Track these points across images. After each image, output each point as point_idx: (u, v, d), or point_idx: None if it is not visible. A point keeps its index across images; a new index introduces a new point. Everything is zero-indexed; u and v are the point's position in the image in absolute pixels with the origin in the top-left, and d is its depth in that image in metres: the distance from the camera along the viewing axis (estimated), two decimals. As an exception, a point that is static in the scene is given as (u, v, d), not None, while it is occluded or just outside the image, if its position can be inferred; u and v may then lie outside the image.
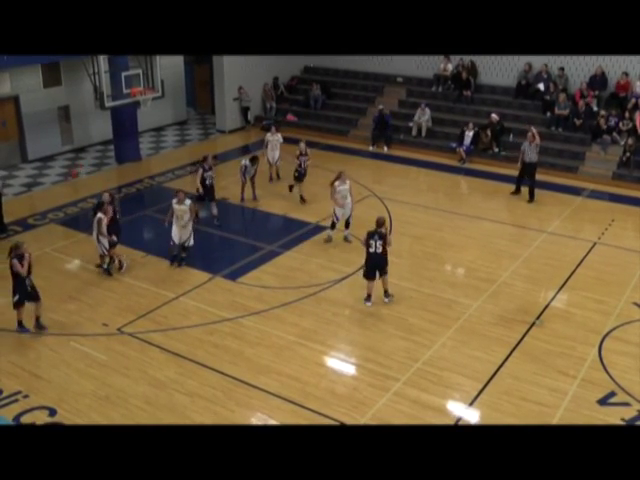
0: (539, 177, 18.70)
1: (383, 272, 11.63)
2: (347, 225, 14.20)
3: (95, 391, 9.50)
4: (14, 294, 10.72)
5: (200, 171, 15.01)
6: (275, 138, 17.60)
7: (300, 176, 16.31)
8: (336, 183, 13.75)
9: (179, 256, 13.26)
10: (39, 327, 10.98)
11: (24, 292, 10.74)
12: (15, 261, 10.56)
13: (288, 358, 10.31)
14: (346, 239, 14.26)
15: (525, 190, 17.10)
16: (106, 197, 12.92)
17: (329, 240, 14.29)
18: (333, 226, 14.25)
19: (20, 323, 10.92)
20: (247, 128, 23.55)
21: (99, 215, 12.51)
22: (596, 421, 8.86)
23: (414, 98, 22.31)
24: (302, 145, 16.32)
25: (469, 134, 19.92)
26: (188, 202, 13.09)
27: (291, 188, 16.70)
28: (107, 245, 12.67)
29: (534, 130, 16.78)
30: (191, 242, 13.28)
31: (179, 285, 12.48)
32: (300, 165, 16.18)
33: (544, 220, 15.78)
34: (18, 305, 10.79)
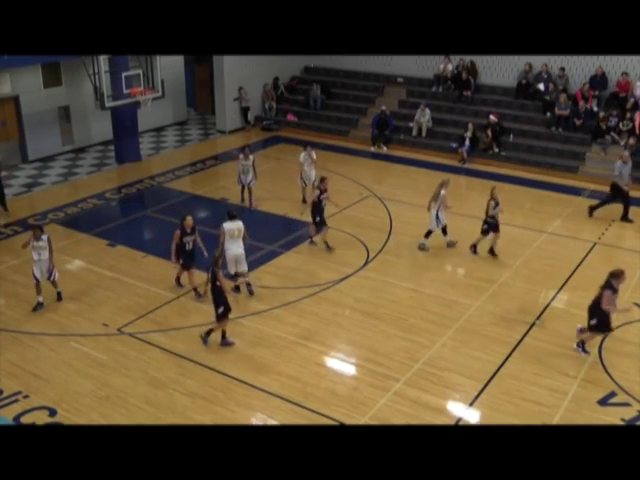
0: (539, 177, 18.76)
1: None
2: (445, 231, 14.10)
3: (95, 391, 9.49)
4: (219, 306, 10.32)
5: (317, 193, 13.65)
6: (307, 158, 16.20)
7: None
8: (443, 191, 13.73)
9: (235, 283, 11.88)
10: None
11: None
12: (221, 274, 10.19)
13: (288, 358, 10.31)
14: (451, 244, 14.11)
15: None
16: (189, 221, 11.72)
17: (424, 248, 14.06)
18: (429, 234, 14.00)
19: (224, 334, 10.65)
20: (247, 128, 23.55)
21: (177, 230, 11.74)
22: (596, 421, 8.86)
23: (414, 98, 22.32)
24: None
25: (467, 135, 19.91)
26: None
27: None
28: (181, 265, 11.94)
29: (627, 152, 16.10)
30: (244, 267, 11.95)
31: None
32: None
33: (544, 220, 15.78)
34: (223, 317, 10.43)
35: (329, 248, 13.83)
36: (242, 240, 11.75)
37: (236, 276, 11.85)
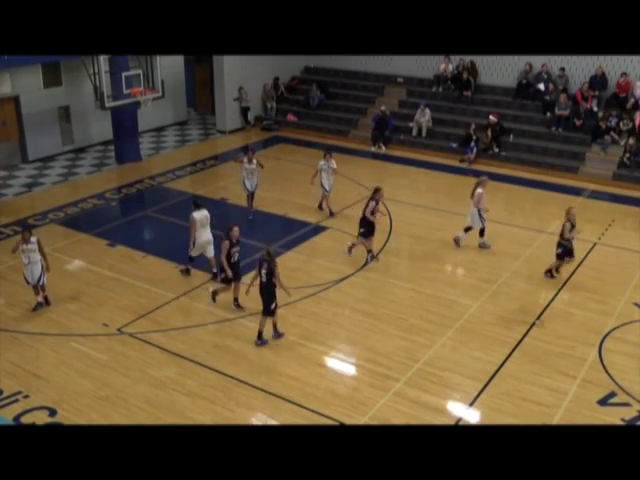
0: (539, 177, 18.75)
1: None
2: (483, 232, 14.12)
3: (95, 391, 9.49)
4: (271, 301, 10.53)
5: (372, 204, 13.02)
6: (329, 166, 15.57)
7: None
8: (479, 190, 13.76)
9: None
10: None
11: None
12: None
13: (288, 358, 10.31)
14: (483, 246, 14.11)
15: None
16: (236, 232, 11.30)
17: (459, 244, 14.19)
18: (482, 232, 14.06)
19: (276, 327, 10.84)
20: (247, 128, 23.55)
21: (226, 242, 11.25)
22: (596, 421, 8.86)
23: (414, 98, 22.32)
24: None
25: (473, 138, 19.87)
26: None
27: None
28: (225, 275, 11.44)
29: None
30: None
31: (179, 285, 12.47)
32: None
33: (544, 220, 15.78)
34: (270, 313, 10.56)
35: (374, 258, 13.37)
36: (209, 227, 12.60)
37: (192, 261, 12.75)
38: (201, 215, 12.47)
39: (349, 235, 14.63)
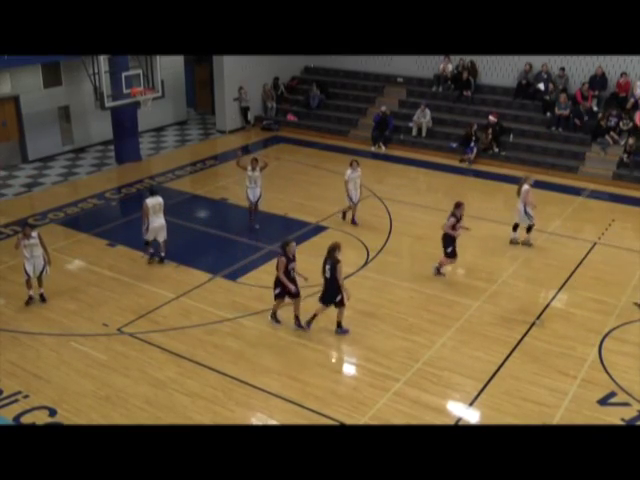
0: (539, 177, 18.72)
1: None
2: (530, 229, 14.18)
3: (95, 391, 9.49)
4: (337, 295, 10.67)
5: (452, 219, 12.40)
6: (356, 174, 14.95)
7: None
8: (526, 186, 13.86)
9: None
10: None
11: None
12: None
13: (288, 358, 10.31)
14: (526, 243, 14.17)
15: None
16: (293, 247, 10.84)
17: (516, 242, 14.28)
18: (516, 227, 14.15)
19: (340, 323, 10.95)
20: (247, 128, 23.55)
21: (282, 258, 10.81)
22: (596, 421, 8.86)
23: (414, 98, 22.32)
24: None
25: (474, 138, 19.87)
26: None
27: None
28: (280, 291, 10.95)
29: None
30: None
31: (179, 285, 12.48)
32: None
33: (544, 220, 15.74)
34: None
35: (441, 274, 12.84)
36: (162, 214, 13.13)
37: (147, 244, 13.32)
38: (154, 202, 13.04)
39: (349, 235, 14.64)
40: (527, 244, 14.14)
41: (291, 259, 10.78)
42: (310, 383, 9.69)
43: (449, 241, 12.49)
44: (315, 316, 10.88)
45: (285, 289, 10.77)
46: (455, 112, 21.76)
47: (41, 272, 11.71)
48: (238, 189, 16.50)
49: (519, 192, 13.96)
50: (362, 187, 15.14)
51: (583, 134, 19.53)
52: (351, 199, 15.00)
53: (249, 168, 14.93)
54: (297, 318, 11.02)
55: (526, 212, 13.93)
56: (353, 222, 15.21)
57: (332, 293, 10.68)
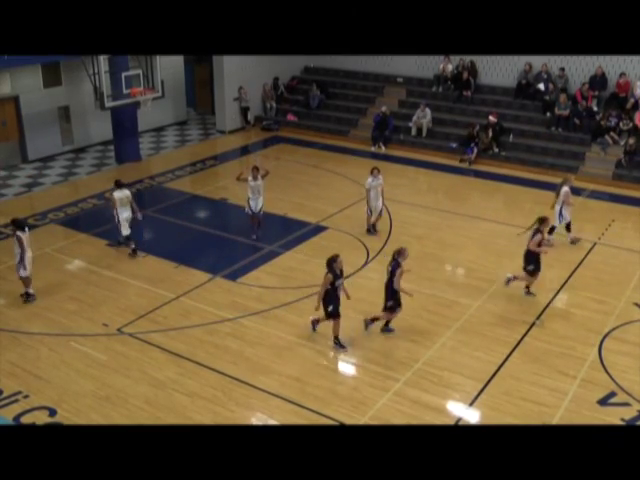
0: (539, 177, 18.75)
1: None
2: (569, 228, 14.18)
3: (95, 391, 9.49)
4: (389, 300, 10.65)
5: (538, 236, 11.77)
6: (377, 182, 14.40)
7: None
8: (565, 188, 13.83)
9: None
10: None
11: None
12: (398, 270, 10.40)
13: (288, 358, 10.31)
14: (575, 241, 14.17)
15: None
16: (340, 262, 10.25)
17: (577, 240, 14.32)
18: (552, 230, 14.01)
19: (388, 322, 10.98)
20: (247, 128, 23.55)
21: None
22: (596, 421, 8.86)
23: (414, 98, 22.32)
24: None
25: (476, 140, 19.87)
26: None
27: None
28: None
29: None
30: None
31: (179, 285, 12.48)
32: None
33: (544, 220, 15.76)
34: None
35: (530, 294, 12.19)
36: (129, 206, 13.45)
37: (129, 239, 13.57)
38: (122, 194, 13.40)
39: (349, 235, 14.64)
40: (575, 242, 14.14)
41: (338, 275, 10.19)
42: (310, 383, 9.69)
43: (532, 258, 11.82)
44: (376, 319, 10.92)
45: (317, 306, 10.31)
46: (455, 112, 21.76)
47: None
48: (238, 189, 16.49)
49: (558, 193, 13.94)
50: (383, 195, 14.55)
51: (583, 134, 19.53)
52: (370, 208, 14.47)
53: (250, 178, 14.24)
54: (337, 338, 10.50)
55: (561, 213, 13.92)
56: (372, 229, 14.66)
57: (387, 296, 10.65)
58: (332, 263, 10.15)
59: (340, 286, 10.33)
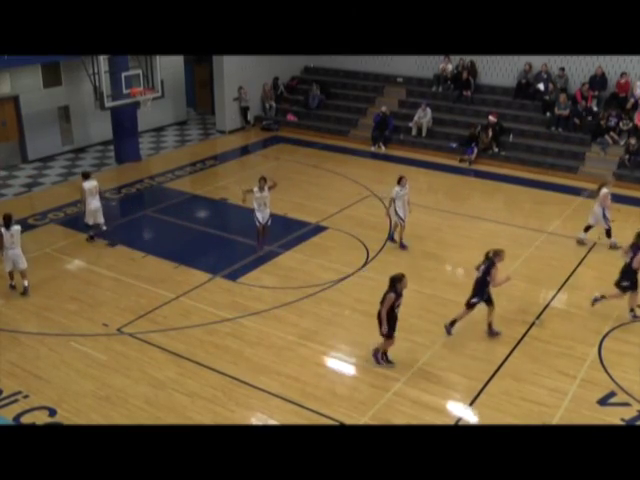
0: (539, 177, 18.75)
1: None
2: (609, 233, 14.07)
3: (95, 391, 9.49)
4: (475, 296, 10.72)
5: (632, 253, 11.14)
6: (405, 192, 13.89)
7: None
8: (605, 190, 13.78)
9: None
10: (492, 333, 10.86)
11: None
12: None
13: (288, 358, 10.31)
14: (614, 246, 13.89)
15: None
16: (405, 283, 9.81)
17: (583, 243, 14.21)
18: (609, 233, 14.00)
19: (491, 325, 10.91)
20: (247, 128, 23.55)
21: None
22: (596, 421, 8.86)
23: (414, 98, 22.32)
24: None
25: (479, 140, 19.87)
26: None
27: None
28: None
29: None
30: None
31: (179, 285, 12.48)
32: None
33: (544, 220, 15.78)
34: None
35: (637, 317, 11.32)
36: (98, 196, 14.00)
37: (90, 227, 14.17)
38: (90, 185, 13.94)
39: (349, 235, 14.64)
40: (615, 247, 13.77)
41: (399, 294, 9.75)
42: (310, 383, 9.69)
43: (631, 275, 11.17)
44: (491, 324, 10.93)
45: (384, 329, 9.81)
46: (455, 112, 21.76)
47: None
48: (238, 189, 16.48)
49: (597, 195, 13.90)
50: (410, 204, 14.11)
51: (583, 134, 19.53)
52: (399, 217, 13.93)
53: (256, 189, 13.50)
54: (384, 354, 10.07)
55: (604, 215, 13.87)
56: (396, 240, 14.21)
57: (480, 290, 10.71)
58: (397, 283, 9.64)
59: (398, 307, 9.83)
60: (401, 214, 13.90)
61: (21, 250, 11.93)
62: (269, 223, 13.80)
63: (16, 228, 11.93)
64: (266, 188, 13.59)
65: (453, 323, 10.90)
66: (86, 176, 14.09)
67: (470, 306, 10.78)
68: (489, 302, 10.80)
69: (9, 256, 11.82)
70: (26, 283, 11.98)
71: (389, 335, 9.90)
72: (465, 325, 11.17)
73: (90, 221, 14.06)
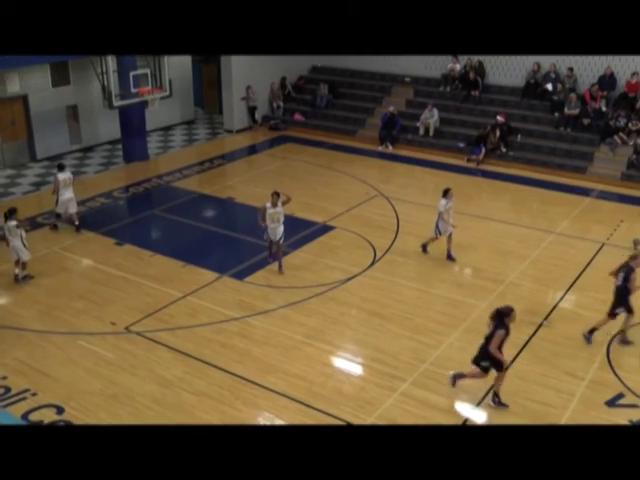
0: (547, 177, 18.69)
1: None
2: None
3: (103, 390, 9.53)
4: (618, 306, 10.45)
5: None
6: (451, 204, 13.22)
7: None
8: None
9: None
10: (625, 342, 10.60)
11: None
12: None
13: (295, 358, 10.32)
14: None
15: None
16: (514, 317, 9.01)
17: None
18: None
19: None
20: (254, 128, 23.57)
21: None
22: (604, 422, 8.83)
23: (422, 98, 22.28)
24: None
25: (488, 140, 19.81)
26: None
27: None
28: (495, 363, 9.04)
29: None
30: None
31: (187, 284, 12.51)
32: None
33: (552, 221, 15.72)
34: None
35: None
36: (72, 187, 14.54)
37: (59, 217, 14.75)
38: (64, 176, 14.46)
39: (356, 235, 14.63)
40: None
41: (509, 331, 8.91)
42: (317, 383, 9.70)
43: (622, 297, 10.59)
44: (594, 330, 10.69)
45: (499, 362, 8.99)
46: (463, 112, 21.71)
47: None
48: (245, 188, 16.54)
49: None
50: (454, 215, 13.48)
51: (591, 134, 19.45)
52: (439, 231, 13.25)
53: (268, 205, 12.67)
54: (496, 395, 9.23)
55: None
56: (451, 257, 13.44)
57: (623, 299, 10.36)
58: (504, 317, 8.83)
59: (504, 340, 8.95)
60: (442, 228, 13.22)
61: (22, 244, 12.30)
62: (281, 241, 12.89)
63: (11, 224, 12.26)
64: (279, 203, 12.73)
65: (592, 331, 10.62)
66: (61, 167, 14.62)
67: (612, 316, 10.52)
68: (629, 310, 10.48)
69: (12, 247, 12.35)
70: (18, 272, 12.39)
71: (502, 369, 9.06)
72: (472, 325, 11.15)
73: (61, 210, 14.61)
